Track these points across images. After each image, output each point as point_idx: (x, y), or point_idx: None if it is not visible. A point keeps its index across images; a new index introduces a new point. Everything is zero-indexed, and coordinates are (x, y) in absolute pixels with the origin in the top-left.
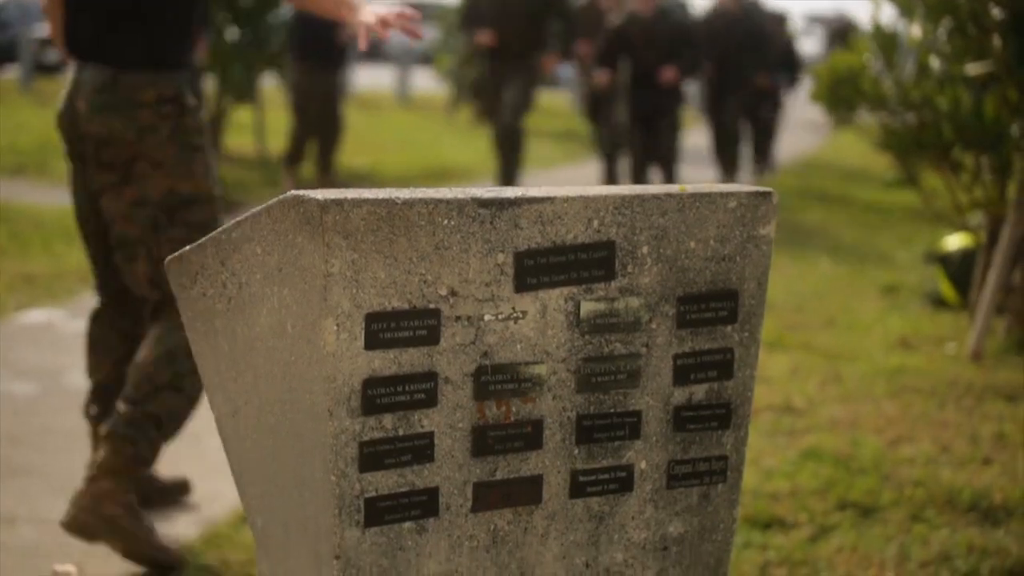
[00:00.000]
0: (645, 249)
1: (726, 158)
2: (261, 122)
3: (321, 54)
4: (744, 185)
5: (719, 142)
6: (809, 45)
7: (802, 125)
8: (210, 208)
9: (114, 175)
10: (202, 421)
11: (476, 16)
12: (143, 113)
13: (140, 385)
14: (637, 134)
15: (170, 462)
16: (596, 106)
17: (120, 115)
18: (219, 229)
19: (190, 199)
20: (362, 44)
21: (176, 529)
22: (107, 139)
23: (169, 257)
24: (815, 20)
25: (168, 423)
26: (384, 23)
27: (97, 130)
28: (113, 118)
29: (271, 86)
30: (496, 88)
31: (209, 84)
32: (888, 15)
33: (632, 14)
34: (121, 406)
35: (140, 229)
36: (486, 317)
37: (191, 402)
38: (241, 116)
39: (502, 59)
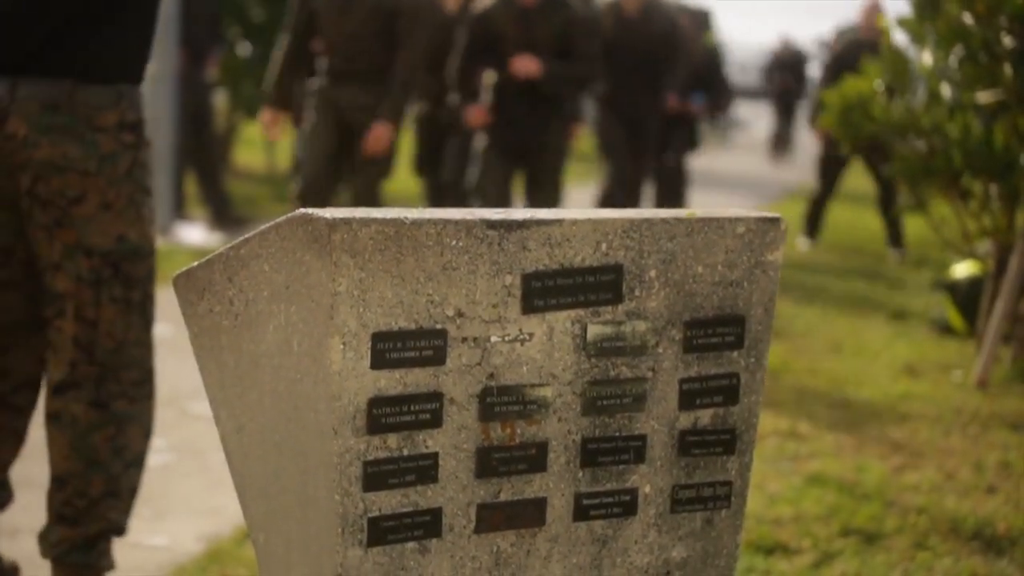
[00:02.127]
0: (653, 273)
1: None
2: None
3: None
4: (753, 211)
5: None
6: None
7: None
8: (150, 263)
9: (48, 215)
10: (207, 436)
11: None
12: (103, 139)
13: (71, 502)
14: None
15: (173, 477)
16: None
17: (76, 140)
18: (228, 246)
19: (135, 251)
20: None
21: (178, 544)
22: (57, 168)
23: (177, 273)
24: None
25: (119, 520)
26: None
27: (45, 156)
28: (67, 143)
29: None
30: None
31: (220, 99)
32: (899, 42)
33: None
34: (57, 531)
35: (73, 282)
36: (492, 338)
37: (133, 488)
38: (251, 132)
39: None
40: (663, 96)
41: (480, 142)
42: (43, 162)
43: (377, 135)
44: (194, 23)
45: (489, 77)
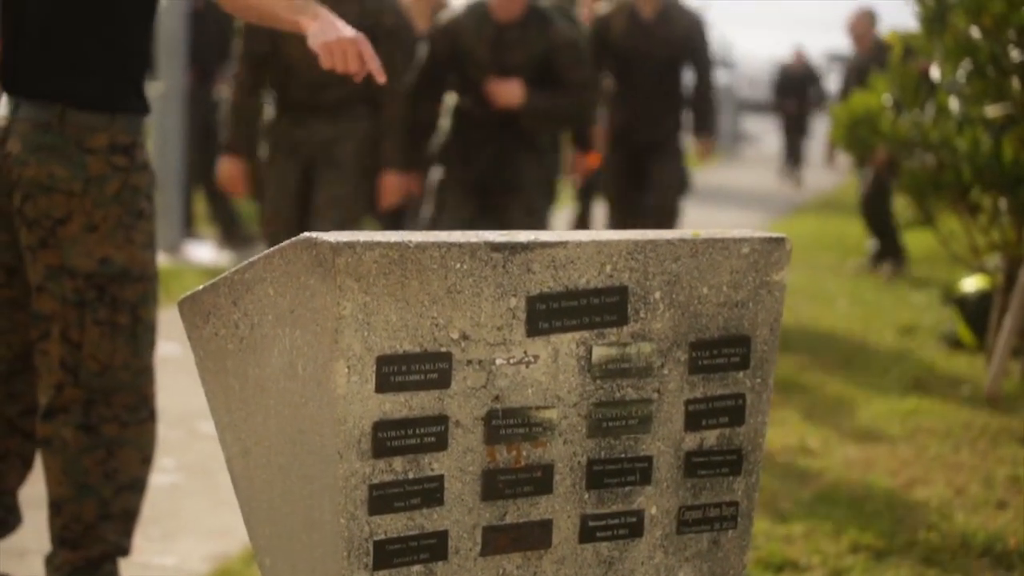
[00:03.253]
0: (658, 294)
1: None
2: None
3: None
4: (757, 231)
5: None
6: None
7: (822, 165)
8: (142, 286)
9: (34, 235)
10: (216, 456)
11: None
12: (92, 160)
13: (69, 526)
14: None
15: (182, 497)
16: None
17: (64, 159)
18: (232, 269)
19: (122, 273)
20: (326, 63)
21: (187, 564)
22: (43, 187)
23: (182, 297)
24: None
25: (119, 542)
26: (343, 52)
27: (32, 175)
28: (54, 162)
29: None
30: None
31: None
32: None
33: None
34: (60, 554)
35: (58, 303)
36: (498, 361)
37: (130, 512)
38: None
39: None
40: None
41: (435, 175)
42: (31, 181)
43: (389, 186)
44: (203, 41)
45: (449, 99)
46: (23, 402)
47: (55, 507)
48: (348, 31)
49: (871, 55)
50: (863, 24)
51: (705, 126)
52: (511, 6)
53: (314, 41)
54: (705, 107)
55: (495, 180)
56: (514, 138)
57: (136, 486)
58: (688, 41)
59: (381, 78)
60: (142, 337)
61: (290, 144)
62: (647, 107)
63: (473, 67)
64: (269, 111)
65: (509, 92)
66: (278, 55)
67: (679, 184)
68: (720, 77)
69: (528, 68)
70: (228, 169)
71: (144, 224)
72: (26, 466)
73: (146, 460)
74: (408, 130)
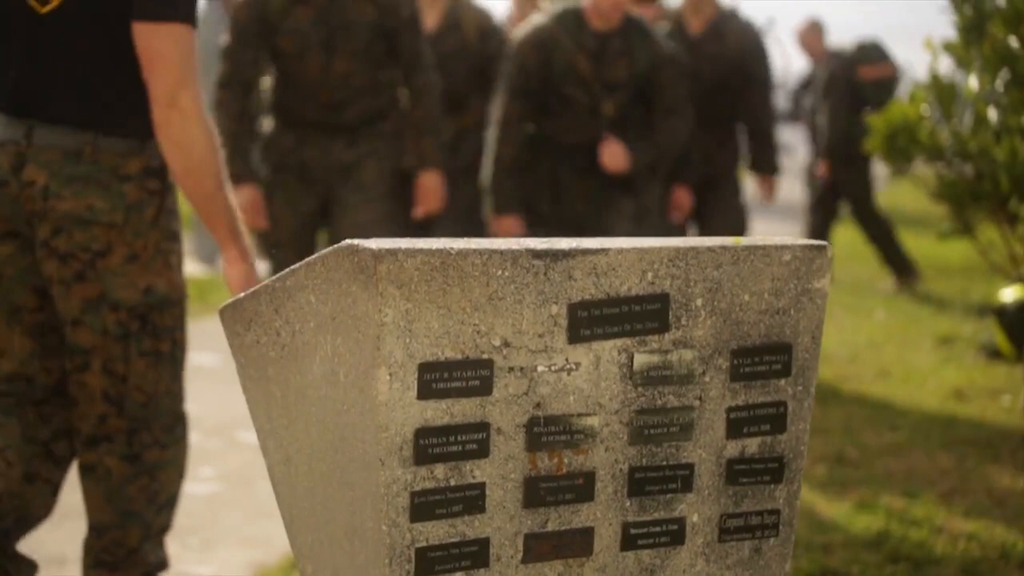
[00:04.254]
0: (699, 302)
1: None
2: None
3: None
4: (799, 238)
5: None
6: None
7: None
8: (180, 310)
9: (68, 269)
10: (255, 465)
11: None
12: (129, 188)
13: (109, 550)
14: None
15: (221, 506)
16: None
17: (102, 190)
18: (274, 277)
19: (163, 300)
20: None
21: (226, 573)
22: (81, 221)
23: (223, 304)
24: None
25: (159, 561)
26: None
27: (68, 208)
28: (92, 194)
29: None
30: None
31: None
32: (945, 66)
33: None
34: (96, 573)
35: (98, 336)
36: (539, 368)
37: (165, 527)
38: None
39: None
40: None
41: (506, 211)
42: (66, 215)
43: (431, 187)
44: None
45: (527, 128)
46: (53, 425)
47: (96, 531)
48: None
49: (825, 65)
50: (812, 35)
51: (765, 161)
52: (613, 13)
53: (234, 285)
54: (763, 139)
55: (593, 219)
56: (604, 175)
57: (173, 502)
58: (743, 60)
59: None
60: (180, 360)
61: (299, 164)
62: (696, 137)
63: (572, 85)
64: (267, 125)
65: (615, 158)
66: (287, 75)
67: (737, 227)
68: None
69: (630, 86)
70: (248, 199)
71: (178, 245)
72: (54, 495)
73: (182, 475)
74: (509, 170)
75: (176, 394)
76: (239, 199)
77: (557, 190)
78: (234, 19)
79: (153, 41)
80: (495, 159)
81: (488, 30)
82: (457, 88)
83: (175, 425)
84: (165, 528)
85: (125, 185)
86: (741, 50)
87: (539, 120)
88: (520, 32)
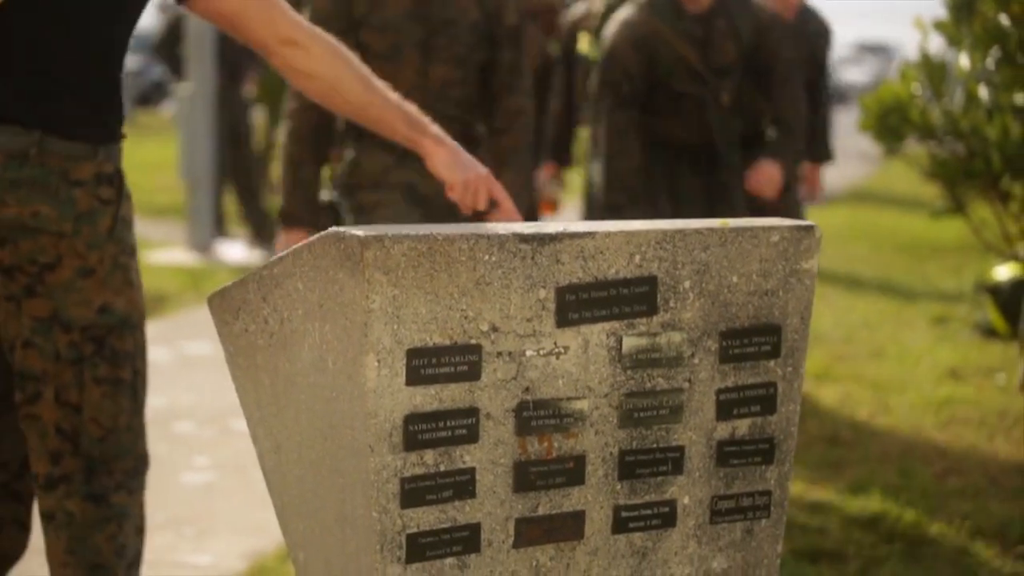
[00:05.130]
0: (687, 284)
1: None
2: None
3: None
4: (786, 220)
5: None
6: (857, 74)
7: (854, 155)
8: (140, 335)
9: (15, 284)
10: (249, 454)
11: None
12: (80, 195)
13: None
14: None
15: (216, 495)
16: None
17: (49, 196)
18: (262, 265)
19: (122, 322)
20: (457, 197)
21: (222, 562)
22: (26, 229)
23: (212, 293)
24: (864, 48)
25: None
26: (476, 190)
27: (12, 215)
28: (38, 199)
29: None
30: None
31: (258, 117)
32: (936, 45)
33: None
34: None
35: (50, 361)
36: (527, 352)
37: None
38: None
39: None
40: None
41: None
42: (9, 223)
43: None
44: (231, 41)
45: (642, 138)
46: (12, 465)
47: None
48: (480, 167)
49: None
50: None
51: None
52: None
53: (448, 173)
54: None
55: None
56: (724, 167)
57: (138, 562)
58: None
59: (514, 216)
60: (141, 393)
61: (405, 187)
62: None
63: (682, 79)
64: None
65: (772, 183)
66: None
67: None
68: None
69: (740, 67)
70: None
71: (136, 262)
72: (24, 531)
73: (140, 531)
74: (634, 190)
75: (138, 432)
76: (286, 241)
77: (677, 194)
78: (313, 9)
79: None
80: (617, 182)
81: None
82: None
83: (138, 469)
84: None
85: (75, 191)
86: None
87: (649, 123)
88: (610, 33)
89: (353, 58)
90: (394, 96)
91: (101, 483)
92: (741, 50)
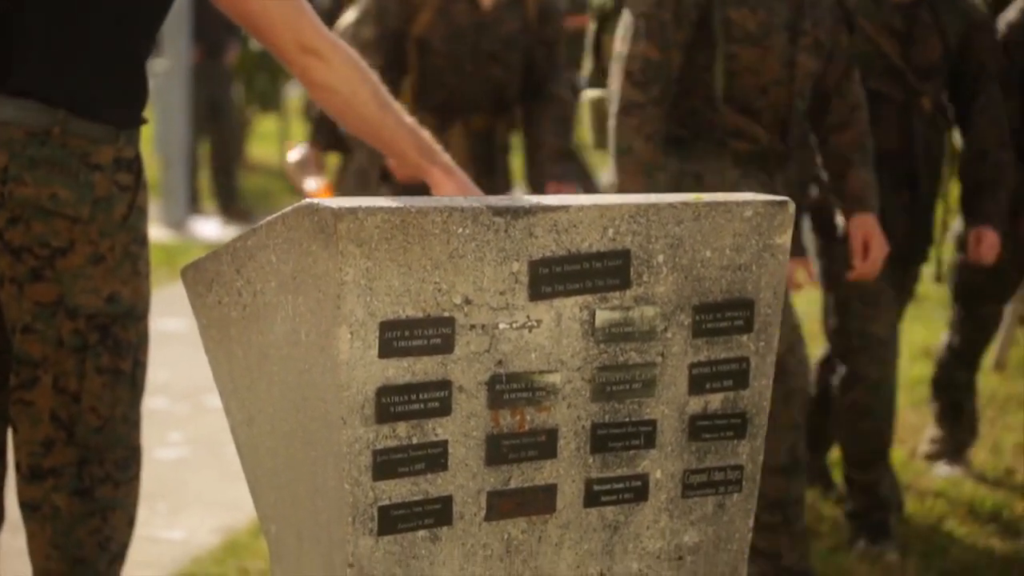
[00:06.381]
0: (660, 258)
1: None
2: (286, 131)
3: None
4: (760, 195)
5: None
6: None
7: None
8: (144, 325)
9: (23, 266)
10: (223, 430)
11: None
12: (99, 179)
13: None
14: None
15: (190, 470)
16: None
17: (69, 178)
18: (235, 237)
19: (128, 312)
20: None
21: (195, 537)
22: (42, 210)
23: (185, 265)
24: None
25: None
26: None
27: (29, 194)
28: (57, 181)
29: (296, 96)
30: None
31: (235, 93)
32: None
33: None
34: None
35: (51, 347)
36: (500, 326)
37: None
38: (265, 125)
39: None
40: None
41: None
42: (25, 201)
43: None
44: (209, 16)
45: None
46: None
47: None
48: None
49: None
50: None
51: (997, 207)
52: None
53: None
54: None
55: (918, 241)
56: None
57: (123, 554)
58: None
59: None
60: (140, 385)
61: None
62: None
63: (881, 77)
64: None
65: (992, 250)
66: (428, 79)
67: None
68: None
69: (944, 69)
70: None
71: (146, 251)
72: None
73: (131, 522)
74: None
75: (133, 423)
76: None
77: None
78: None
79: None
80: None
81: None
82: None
83: (129, 460)
84: None
85: (94, 175)
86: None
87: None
88: None
89: (372, 76)
90: (409, 120)
91: (91, 474)
92: (946, 50)
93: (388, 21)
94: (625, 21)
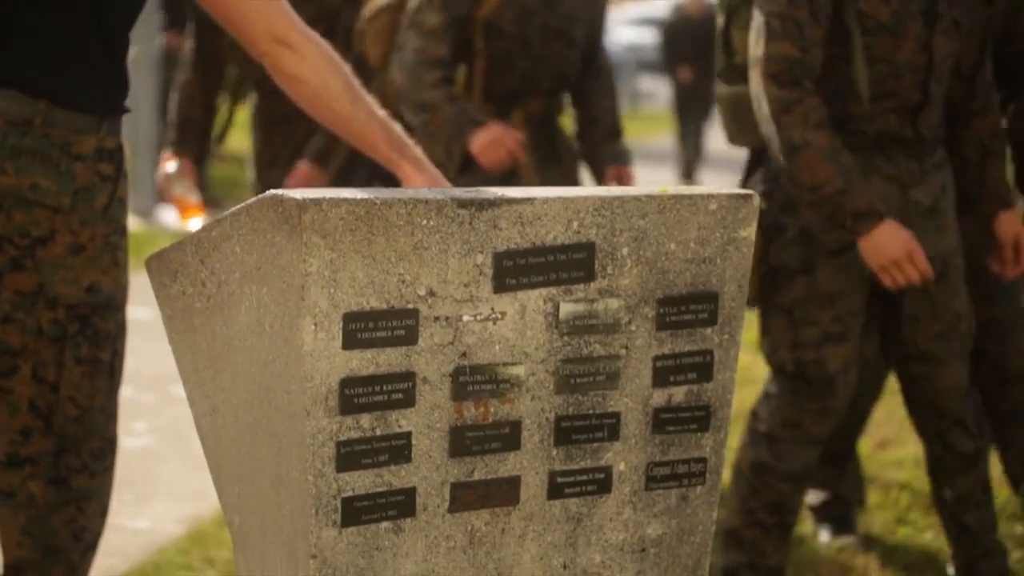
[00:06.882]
0: (625, 251)
1: None
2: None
3: None
4: (725, 188)
5: None
6: None
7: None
8: (122, 316)
9: (3, 255)
10: (187, 420)
11: None
12: (80, 169)
13: None
14: None
15: (155, 460)
16: None
17: (50, 168)
18: (199, 227)
19: (107, 303)
20: None
21: (160, 527)
22: (23, 200)
23: (149, 255)
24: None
25: None
26: None
27: (10, 184)
28: (38, 170)
29: None
30: None
31: None
32: None
33: None
34: None
35: (30, 337)
36: (464, 318)
37: (88, 572)
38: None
39: None
40: None
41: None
42: (5, 191)
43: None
44: (180, 4)
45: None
46: None
47: (13, 570)
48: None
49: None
50: None
51: None
52: None
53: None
54: None
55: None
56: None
57: (96, 544)
58: None
59: None
60: (118, 374)
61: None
62: None
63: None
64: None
65: None
66: (498, 65)
67: None
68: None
69: (984, 28)
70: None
71: (125, 242)
72: None
73: (104, 513)
74: None
75: (110, 414)
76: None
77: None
78: None
79: None
80: None
81: None
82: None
83: (106, 451)
84: None
85: (76, 165)
86: None
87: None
88: None
89: (344, 68)
90: (380, 113)
91: (68, 464)
92: (990, 15)
93: (455, 6)
94: (757, 22)
